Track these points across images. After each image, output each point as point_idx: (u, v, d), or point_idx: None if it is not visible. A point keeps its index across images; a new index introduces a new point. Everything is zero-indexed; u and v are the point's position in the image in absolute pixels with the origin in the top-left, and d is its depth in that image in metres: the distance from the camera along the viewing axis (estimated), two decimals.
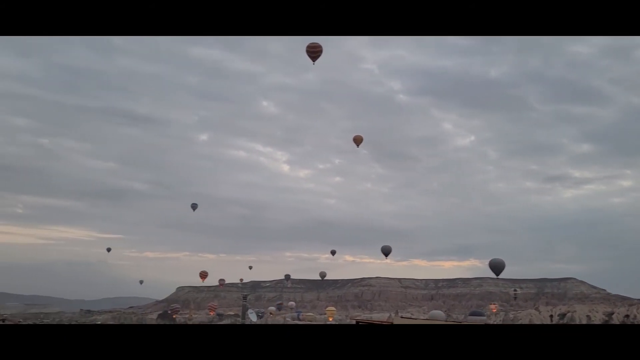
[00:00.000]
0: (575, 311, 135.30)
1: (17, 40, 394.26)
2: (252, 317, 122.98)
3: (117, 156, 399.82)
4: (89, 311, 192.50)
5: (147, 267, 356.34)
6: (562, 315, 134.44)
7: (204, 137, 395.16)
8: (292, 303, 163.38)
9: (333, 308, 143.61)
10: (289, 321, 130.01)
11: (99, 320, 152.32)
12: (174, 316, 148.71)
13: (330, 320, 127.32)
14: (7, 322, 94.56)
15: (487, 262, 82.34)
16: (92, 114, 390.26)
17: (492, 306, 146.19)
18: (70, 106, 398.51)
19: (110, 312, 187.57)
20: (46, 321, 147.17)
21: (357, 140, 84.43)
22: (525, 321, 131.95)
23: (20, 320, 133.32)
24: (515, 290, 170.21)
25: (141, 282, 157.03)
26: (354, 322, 75.03)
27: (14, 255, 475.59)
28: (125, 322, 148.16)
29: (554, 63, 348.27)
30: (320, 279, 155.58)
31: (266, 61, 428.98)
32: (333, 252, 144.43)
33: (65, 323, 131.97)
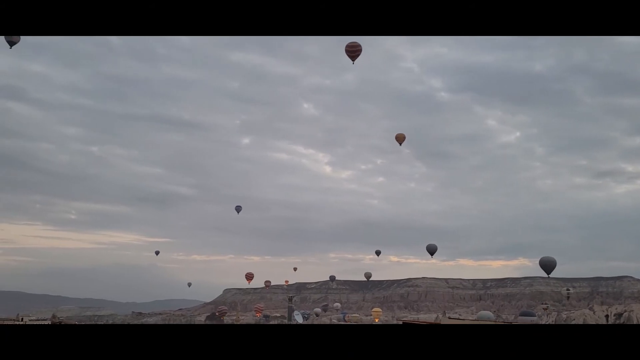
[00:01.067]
0: (632, 311, 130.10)
1: (65, 51, 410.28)
2: (298, 319, 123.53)
3: (163, 162, 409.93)
4: (140, 313, 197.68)
5: (195, 269, 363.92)
6: (619, 315, 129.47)
7: (246, 140, 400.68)
8: (337, 304, 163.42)
9: (379, 309, 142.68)
10: (335, 322, 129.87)
11: (150, 322, 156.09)
12: (221, 318, 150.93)
13: (377, 322, 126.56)
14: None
15: (537, 261, 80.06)
16: (138, 121, 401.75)
17: (544, 306, 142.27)
18: (117, 114, 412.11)
19: (160, 314, 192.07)
20: (99, 323, 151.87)
21: (400, 139, 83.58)
22: (579, 321, 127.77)
23: (76, 322, 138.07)
24: (568, 290, 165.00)
25: (189, 284, 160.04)
26: (400, 323, 74.23)
27: (68, 259, 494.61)
28: (174, 324, 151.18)
29: (600, 55, 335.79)
30: (365, 279, 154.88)
31: (305, 63, 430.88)
32: (378, 253, 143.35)
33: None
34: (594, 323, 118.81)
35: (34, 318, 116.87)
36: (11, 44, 52.41)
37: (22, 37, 53.88)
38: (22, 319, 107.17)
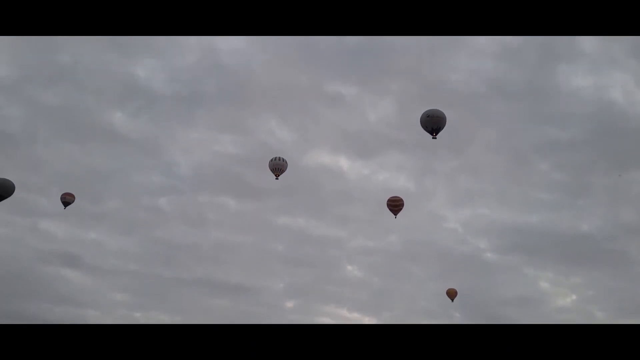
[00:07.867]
0: None
1: (120, 219, 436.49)
2: None
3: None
4: None
5: None
6: None
7: (290, 304, 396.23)
8: None
9: None
10: None
11: None
12: None
13: None
14: None
15: None
16: (186, 286, 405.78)
17: None
18: (165, 278, 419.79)
19: None
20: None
21: (451, 294, 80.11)
22: None
23: None
24: None
25: None
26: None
27: None
28: None
29: None
30: None
31: (349, 225, 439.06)
32: None
33: None
34: None
35: None
36: (65, 204, 54.79)
37: (76, 201, 56.67)
38: None
